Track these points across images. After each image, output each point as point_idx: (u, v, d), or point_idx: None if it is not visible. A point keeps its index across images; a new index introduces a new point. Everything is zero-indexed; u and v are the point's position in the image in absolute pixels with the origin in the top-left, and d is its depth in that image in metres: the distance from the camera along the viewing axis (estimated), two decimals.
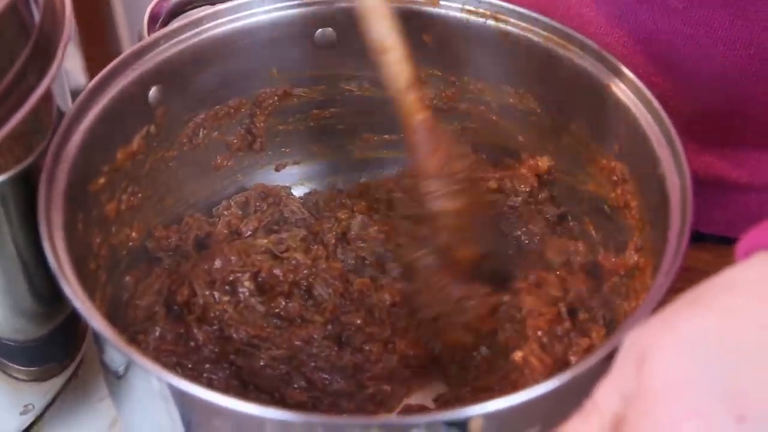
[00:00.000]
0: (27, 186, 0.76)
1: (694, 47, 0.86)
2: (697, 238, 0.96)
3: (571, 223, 0.91)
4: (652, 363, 0.55)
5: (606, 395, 0.57)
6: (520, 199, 0.91)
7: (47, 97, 0.76)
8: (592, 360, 0.64)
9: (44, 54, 0.75)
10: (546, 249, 0.89)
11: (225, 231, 0.93)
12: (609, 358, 0.61)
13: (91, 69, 1.84)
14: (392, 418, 0.65)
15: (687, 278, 0.65)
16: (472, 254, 0.85)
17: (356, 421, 0.66)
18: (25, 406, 0.86)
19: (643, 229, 0.81)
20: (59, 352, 0.88)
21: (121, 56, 0.84)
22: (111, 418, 0.90)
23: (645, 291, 0.77)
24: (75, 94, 0.82)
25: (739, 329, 0.55)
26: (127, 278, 0.87)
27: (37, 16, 0.75)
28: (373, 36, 0.80)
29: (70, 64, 1.84)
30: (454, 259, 0.84)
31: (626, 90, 0.81)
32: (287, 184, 0.98)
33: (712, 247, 0.93)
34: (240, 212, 0.94)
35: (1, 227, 0.75)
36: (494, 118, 0.93)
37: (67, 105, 0.82)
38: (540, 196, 0.92)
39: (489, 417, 0.61)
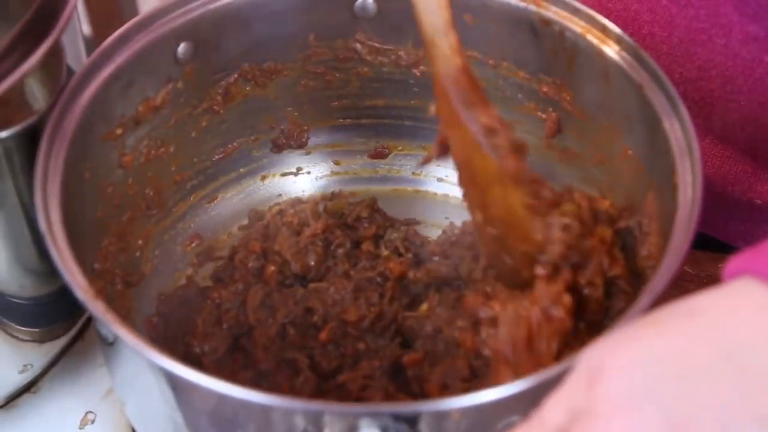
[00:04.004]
0: (34, 142, 0.74)
1: None
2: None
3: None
4: (601, 381, 0.54)
5: (553, 408, 0.56)
6: None
7: (56, 49, 0.75)
8: (549, 373, 0.60)
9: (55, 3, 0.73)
10: None
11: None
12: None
13: None
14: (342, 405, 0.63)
15: None
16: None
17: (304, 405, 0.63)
18: (24, 365, 0.86)
19: (656, 235, 0.76)
20: (62, 313, 0.88)
21: (149, 10, 0.82)
22: (109, 385, 0.89)
23: None
24: None
25: (692, 357, 0.53)
26: None
27: None
28: None
29: None
30: None
31: (658, 92, 0.76)
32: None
33: None
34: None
35: (6, 183, 0.75)
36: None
37: (80, 57, 0.80)
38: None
39: (437, 415, 0.59)
